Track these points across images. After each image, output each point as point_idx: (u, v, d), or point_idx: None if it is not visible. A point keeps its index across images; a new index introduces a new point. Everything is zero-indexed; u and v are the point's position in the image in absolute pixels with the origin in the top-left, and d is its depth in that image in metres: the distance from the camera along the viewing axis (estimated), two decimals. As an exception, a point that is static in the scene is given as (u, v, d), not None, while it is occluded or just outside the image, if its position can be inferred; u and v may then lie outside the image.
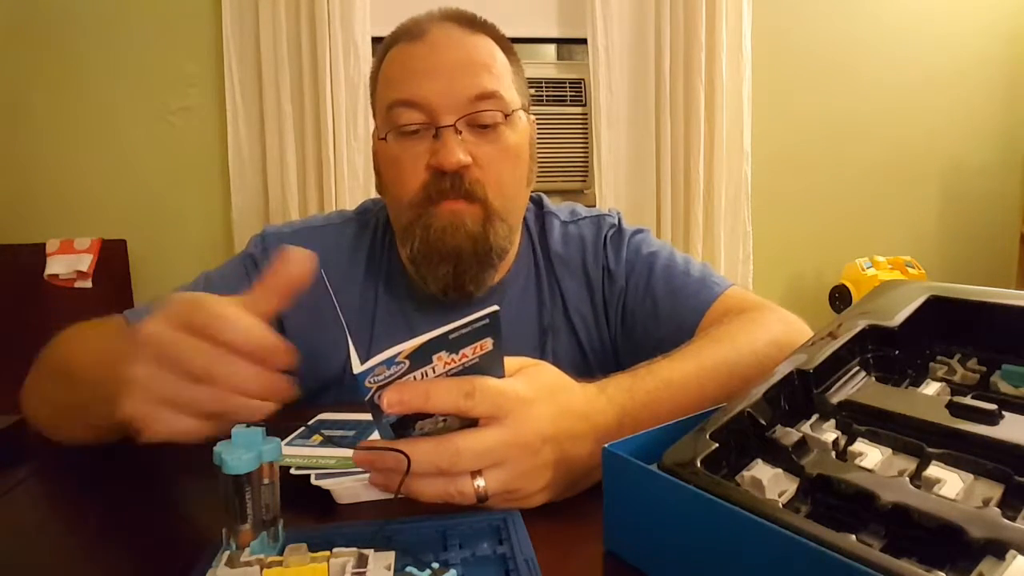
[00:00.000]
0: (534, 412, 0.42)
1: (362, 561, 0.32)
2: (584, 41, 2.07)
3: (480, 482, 0.41)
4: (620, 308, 0.80)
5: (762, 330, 0.62)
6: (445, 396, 0.39)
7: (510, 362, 0.45)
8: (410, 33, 0.73)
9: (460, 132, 0.69)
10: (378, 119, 0.75)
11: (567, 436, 0.43)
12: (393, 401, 0.38)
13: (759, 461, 0.37)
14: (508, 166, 0.72)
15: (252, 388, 0.39)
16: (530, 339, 0.79)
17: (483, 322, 0.38)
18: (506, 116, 0.71)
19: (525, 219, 0.83)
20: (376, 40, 2.01)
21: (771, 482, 0.35)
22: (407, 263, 0.77)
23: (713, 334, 0.61)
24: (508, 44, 0.76)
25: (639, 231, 0.84)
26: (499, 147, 0.71)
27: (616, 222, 0.84)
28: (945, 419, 0.36)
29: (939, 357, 0.45)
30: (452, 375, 0.40)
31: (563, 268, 0.82)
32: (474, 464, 0.40)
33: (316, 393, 0.77)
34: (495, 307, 0.39)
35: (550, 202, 0.87)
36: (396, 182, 0.72)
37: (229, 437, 0.36)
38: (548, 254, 0.82)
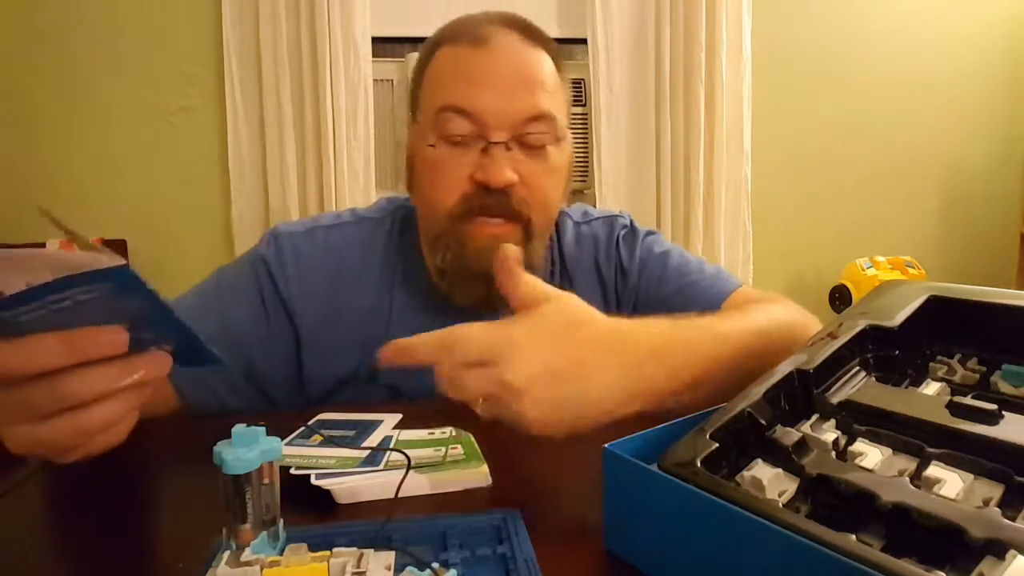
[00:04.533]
0: (517, 355, 0.43)
1: (362, 561, 0.32)
2: (584, 41, 2.07)
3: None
4: (632, 305, 0.81)
5: (784, 312, 0.64)
6: (426, 352, 0.43)
7: (535, 293, 0.47)
8: (468, 36, 0.70)
9: (510, 148, 0.67)
10: (422, 120, 0.72)
11: (573, 368, 0.44)
12: (387, 359, 0.43)
13: (759, 461, 0.37)
14: (552, 186, 0.72)
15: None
16: None
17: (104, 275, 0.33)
18: (558, 140, 0.70)
19: None
20: (377, 40, 2.01)
21: (771, 482, 0.35)
22: (434, 272, 0.75)
23: (740, 312, 0.62)
24: (562, 60, 0.75)
25: (651, 232, 0.85)
26: (545, 167, 0.70)
27: (628, 223, 0.85)
28: (945, 419, 0.36)
29: (939, 357, 0.45)
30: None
31: (575, 268, 0.82)
32: (464, 395, 0.43)
33: (330, 391, 0.76)
34: (123, 263, 0.33)
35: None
36: (434, 189, 0.70)
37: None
38: (562, 255, 0.83)
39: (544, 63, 0.71)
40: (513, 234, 0.69)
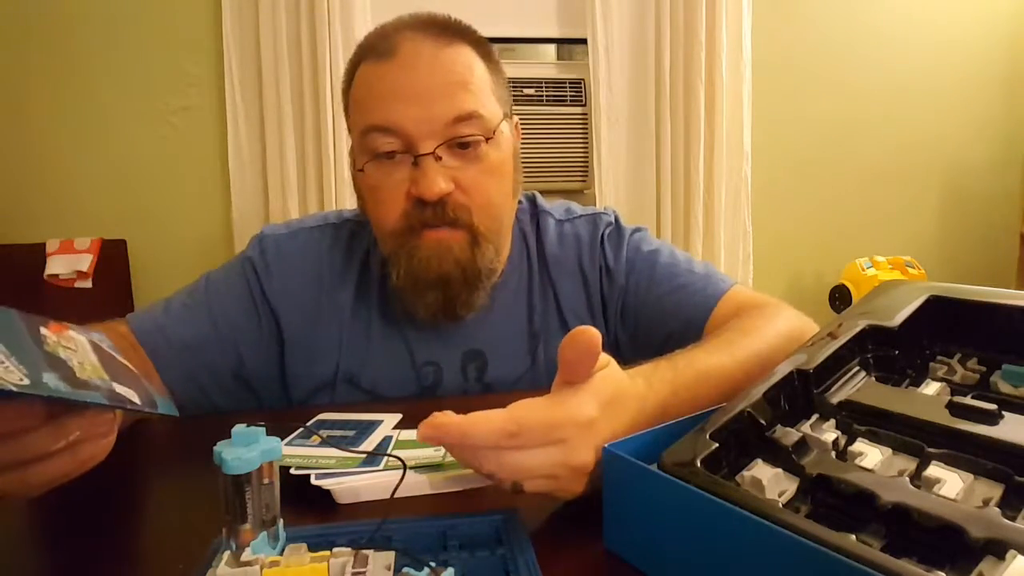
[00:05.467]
0: (592, 436, 0.40)
1: (362, 561, 0.32)
2: (584, 41, 2.07)
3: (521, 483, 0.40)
4: (620, 307, 0.79)
5: (784, 323, 0.63)
6: (486, 438, 0.38)
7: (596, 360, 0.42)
8: (378, 50, 0.69)
9: (440, 158, 0.66)
10: (353, 142, 0.72)
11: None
12: (429, 436, 0.38)
13: (759, 461, 0.37)
14: (493, 186, 0.70)
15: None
16: (520, 345, 0.78)
17: None
18: (487, 139, 0.68)
19: (519, 220, 0.81)
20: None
21: (771, 482, 0.35)
22: (395, 289, 0.75)
23: (740, 326, 0.61)
24: (486, 47, 0.72)
25: (638, 229, 0.83)
26: (482, 168, 0.69)
27: (613, 220, 0.83)
28: (945, 419, 0.36)
29: (939, 357, 0.45)
30: None
31: (558, 268, 0.80)
32: (522, 478, 0.40)
33: (310, 394, 0.77)
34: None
35: (544, 200, 0.86)
36: (377, 210, 0.70)
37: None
38: (543, 254, 0.81)
39: (462, 59, 0.69)
40: (459, 240, 0.68)
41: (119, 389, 0.39)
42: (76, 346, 0.41)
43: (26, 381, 0.33)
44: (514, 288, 0.79)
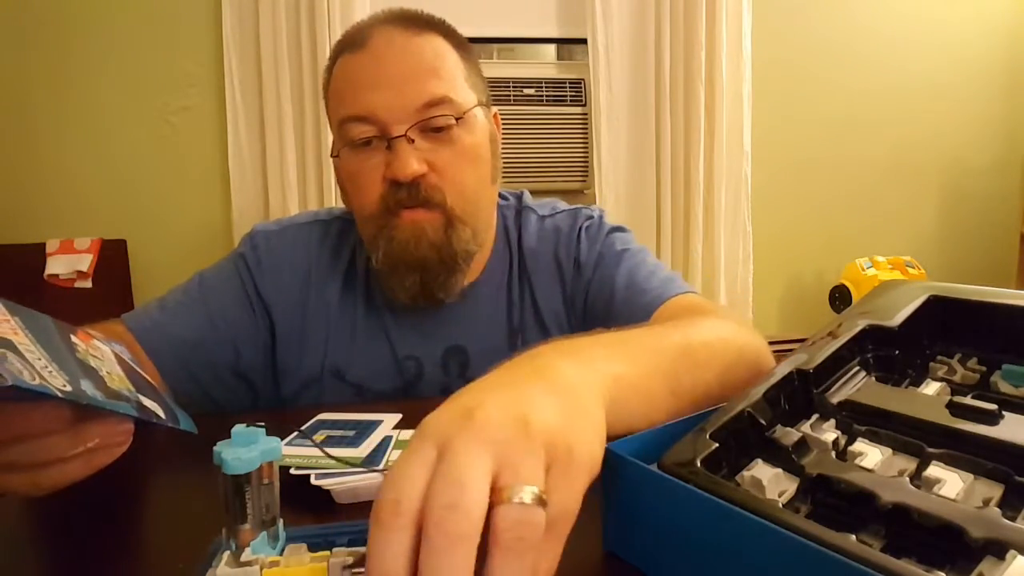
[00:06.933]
0: (492, 397, 0.31)
1: (362, 561, 0.32)
2: (584, 41, 2.07)
3: (529, 492, 0.26)
4: (584, 300, 0.79)
5: (722, 326, 0.57)
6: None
7: None
8: (352, 42, 0.71)
9: (413, 140, 0.68)
10: (333, 134, 0.74)
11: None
12: None
13: (759, 461, 0.37)
14: (467, 168, 0.71)
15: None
16: (500, 341, 0.78)
17: None
18: (458, 119, 0.70)
19: (504, 216, 0.82)
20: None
21: (771, 482, 0.35)
22: (376, 273, 0.76)
23: (664, 324, 0.57)
24: (460, 39, 0.74)
25: (619, 229, 0.83)
26: (455, 150, 0.70)
27: (595, 215, 0.83)
28: (945, 419, 0.36)
29: (939, 357, 0.45)
30: None
31: (535, 263, 0.80)
32: (477, 482, 0.26)
33: (300, 389, 0.78)
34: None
35: (530, 198, 0.86)
36: (355, 196, 0.72)
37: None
38: (521, 250, 0.81)
39: (430, 48, 0.70)
40: (433, 221, 0.69)
41: (146, 402, 0.40)
42: (102, 356, 0.41)
43: (69, 388, 0.33)
44: (496, 284, 0.80)
